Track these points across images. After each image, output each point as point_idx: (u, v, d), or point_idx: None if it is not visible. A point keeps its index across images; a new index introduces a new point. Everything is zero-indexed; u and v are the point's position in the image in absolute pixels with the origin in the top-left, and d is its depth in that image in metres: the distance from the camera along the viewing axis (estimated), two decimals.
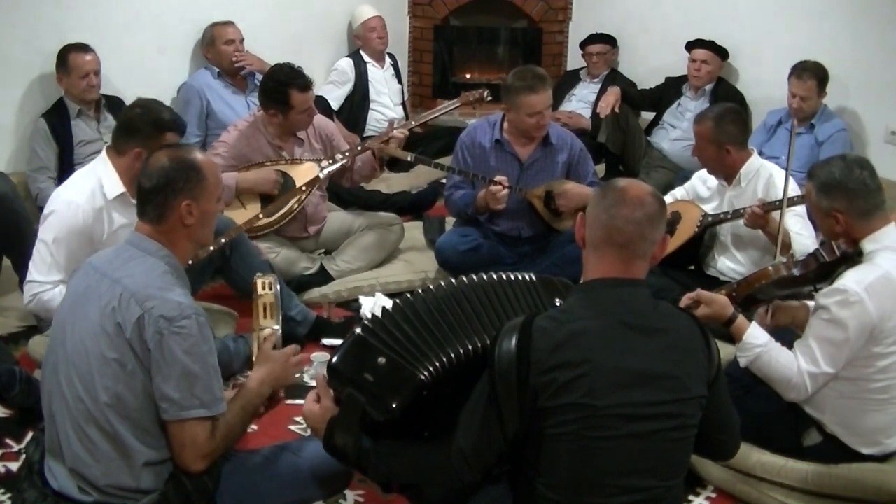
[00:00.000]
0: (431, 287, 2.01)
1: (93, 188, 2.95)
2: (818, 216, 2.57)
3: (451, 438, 1.76)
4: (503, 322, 1.85)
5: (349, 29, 5.68)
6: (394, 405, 1.80)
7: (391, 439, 1.87)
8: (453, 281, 2.05)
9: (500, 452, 1.75)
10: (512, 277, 2.07)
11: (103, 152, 3.02)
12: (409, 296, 1.98)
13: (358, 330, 1.92)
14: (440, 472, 1.78)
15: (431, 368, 1.83)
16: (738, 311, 2.56)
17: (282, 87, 3.75)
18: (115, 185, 2.96)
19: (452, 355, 1.86)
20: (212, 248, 3.22)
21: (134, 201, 2.93)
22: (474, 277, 2.05)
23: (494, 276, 2.06)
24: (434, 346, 1.87)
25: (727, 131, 3.36)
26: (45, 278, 2.91)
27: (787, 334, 2.67)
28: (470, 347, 1.88)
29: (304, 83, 3.78)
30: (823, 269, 2.57)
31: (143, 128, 2.92)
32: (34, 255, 2.94)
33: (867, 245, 2.44)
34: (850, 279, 2.37)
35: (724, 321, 2.51)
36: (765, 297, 2.76)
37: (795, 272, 2.65)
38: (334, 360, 1.91)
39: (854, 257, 2.47)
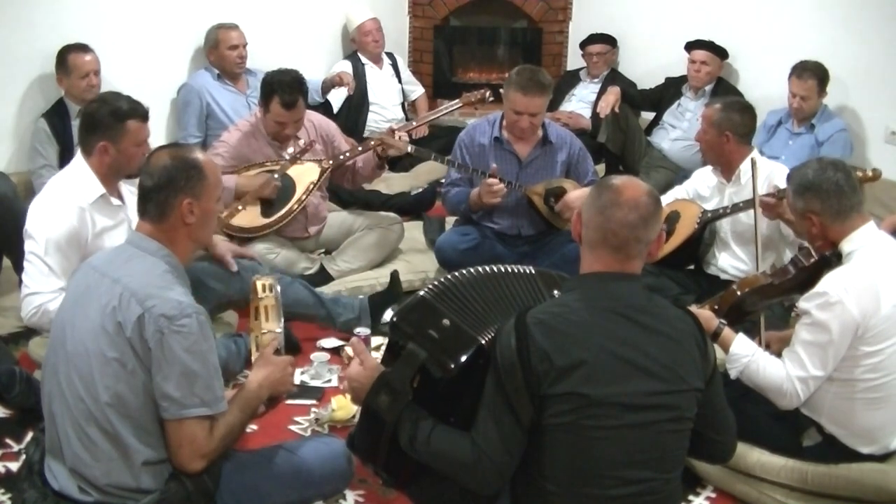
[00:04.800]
0: (456, 274, 2.07)
1: (71, 192, 2.85)
2: (795, 218, 2.59)
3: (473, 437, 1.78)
4: (511, 312, 1.89)
5: (345, 31, 5.67)
6: (453, 365, 1.86)
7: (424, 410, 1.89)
8: (457, 274, 2.07)
9: (520, 446, 1.75)
10: (513, 270, 2.11)
11: (77, 155, 2.94)
12: (443, 279, 2.06)
13: (422, 293, 2.01)
14: (467, 467, 1.78)
15: (489, 337, 1.89)
16: (724, 323, 2.57)
17: (269, 88, 3.73)
18: (92, 188, 2.87)
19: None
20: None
21: (114, 202, 2.93)
22: (473, 270, 2.08)
23: (498, 269, 2.10)
24: (486, 320, 1.94)
25: (731, 118, 3.38)
26: (46, 288, 2.77)
27: None
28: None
29: (289, 100, 3.70)
30: (804, 275, 2.58)
31: (102, 120, 2.87)
32: (28, 270, 2.82)
33: (845, 246, 2.45)
34: (830, 281, 2.38)
35: (710, 335, 2.50)
36: (750, 307, 2.76)
37: (775, 280, 2.68)
38: (397, 316, 2.00)
39: (833, 260, 2.48)
